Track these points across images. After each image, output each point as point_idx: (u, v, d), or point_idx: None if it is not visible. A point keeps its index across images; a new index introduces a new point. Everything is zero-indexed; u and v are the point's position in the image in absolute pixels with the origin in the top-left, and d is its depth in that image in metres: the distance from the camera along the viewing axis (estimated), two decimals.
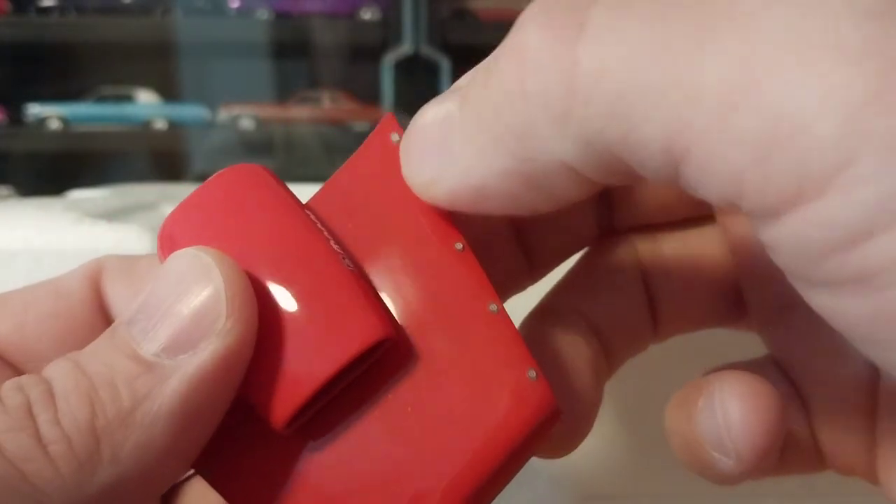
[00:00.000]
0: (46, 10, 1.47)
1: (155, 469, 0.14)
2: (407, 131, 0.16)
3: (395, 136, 0.16)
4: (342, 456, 0.15)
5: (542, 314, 0.19)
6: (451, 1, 1.46)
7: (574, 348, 0.18)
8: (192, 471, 0.16)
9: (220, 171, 0.16)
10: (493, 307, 0.15)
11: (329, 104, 1.52)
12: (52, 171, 1.52)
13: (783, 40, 0.11)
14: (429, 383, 0.15)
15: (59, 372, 0.14)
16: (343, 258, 0.15)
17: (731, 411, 0.16)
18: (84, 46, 1.53)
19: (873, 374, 0.18)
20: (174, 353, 0.14)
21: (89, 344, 0.14)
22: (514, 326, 0.15)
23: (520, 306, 0.19)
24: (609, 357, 0.19)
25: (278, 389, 0.14)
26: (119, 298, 0.18)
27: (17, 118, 1.49)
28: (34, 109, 1.48)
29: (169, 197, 0.47)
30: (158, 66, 1.54)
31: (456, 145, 0.14)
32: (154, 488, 0.14)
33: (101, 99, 1.52)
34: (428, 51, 1.42)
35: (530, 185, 0.14)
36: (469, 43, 1.44)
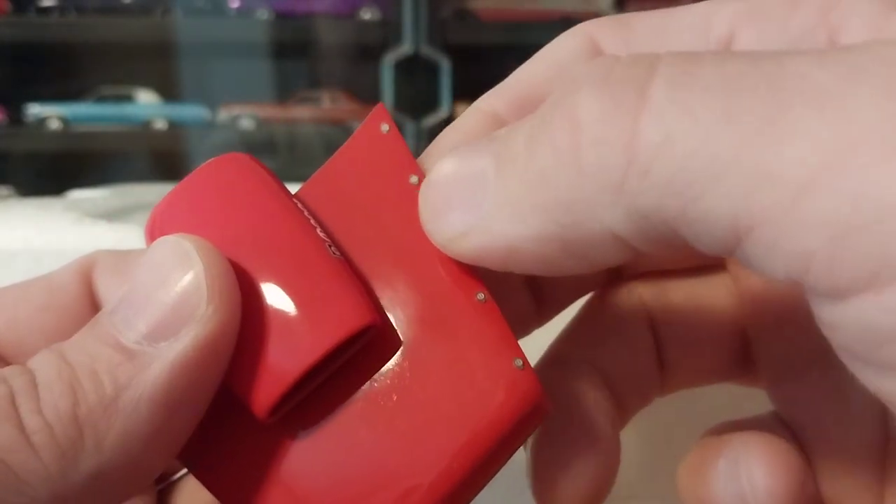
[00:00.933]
0: (46, 10, 1.47)
1: (139, 457, 0.13)
2: (428, 181, 0.15)
3: (384, 126, 0.16)
4: (328, 447, 0.15)
5: (554, 365, 0.19)
6: (451, 1, 1.46)
7: (591, 400, 0.18)
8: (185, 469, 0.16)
9: (207, 161, 0.16)
10: (481, 296, 0.15)
11: (329, 104, 1.52)
12: (52, 171, 1.52)
13: (868, 121, 0.10)
14: (414, 373, 0.15)
15: (42, 362, 0.14)
16: (329, 246, 0.15)
17: (755, 475, 0.16)
18: (84, 46, 1.53)
19: (884, 436, 0.17)
20: (155, 340, 0.14)
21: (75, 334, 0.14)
22: (501, 316, 0.15)
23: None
24: (620, 409, 0.19)
25: (261, 378, 0.14)
26: (108, 292, 0.18)
27: (17, 118, 1.49)
28: (34, 109, 1.48)
29: None
30: (158, 66, 1.54)
31: (488, 205, 0.14)
32: (139, 477, 0.14)
33: (101, 99, 1.52)
34: (428, 51, 1.42)
35: (568, 251, 0.14)
36: (469, 43, 1.44)
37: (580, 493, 0.17)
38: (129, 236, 0.30)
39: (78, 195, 0.49)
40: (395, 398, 0.15)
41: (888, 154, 0.10)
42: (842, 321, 0.11)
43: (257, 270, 0.15)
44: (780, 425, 0.19)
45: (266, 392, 0.14)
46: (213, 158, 0.16)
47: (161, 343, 0.14)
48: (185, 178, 0.16)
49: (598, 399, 0.18)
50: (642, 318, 0.20)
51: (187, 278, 0.14)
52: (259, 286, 0.15)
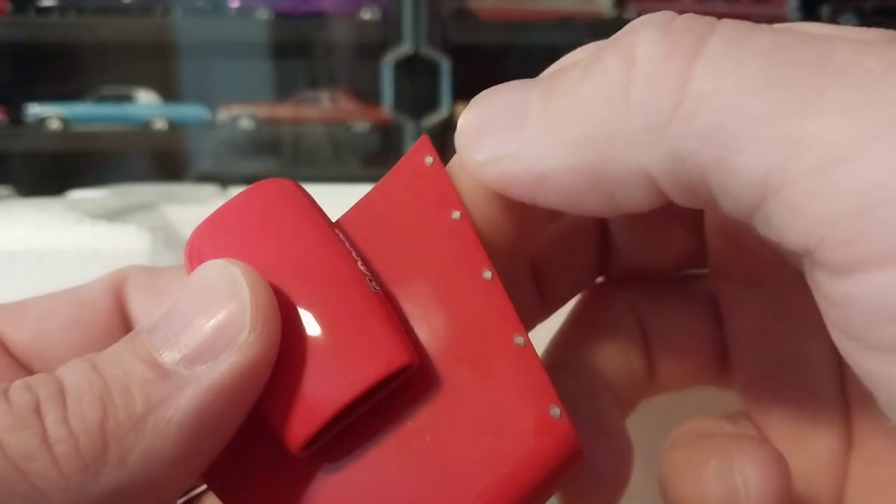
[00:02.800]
0: (46, 10, 1.47)
1: (162, 478, 0.13)
2: (469, 108, 0.15)
3: (428, 159, 0.16)
4: (357, 482, 0.15)
5: (559, 368, 0.19)
6: (451, 1, 1.46)
7: (601, 401, 0.18)
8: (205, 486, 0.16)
9: (251, 185, 0.16)
10: (520, 340, 0.15)
11: (329, 104, 1.52)
12: (52, 171, 1.52)
13: None
14: (449, 414, 0.15)
15: (72, 371, 0.14)
16: (370, 280, 0.15)
17: (749, 476, 0.16)
18: (84, 46, 1.53)
19: (847, 442, 0.18)
20: (193, 363, 0.14)
21: (110, 346, 0.14)
22: (538, 360, 0.15)
23: None
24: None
25: (296, 411, 0.14)
26: (141, 308, 0.17)
27: (17, 118, 1.49)
28: (34, 109, 1.48)
29: (169, 197, 0.47)
30: (158, 66, 1.54)
31: (528, 132, 0.14)
32: (159, 498, 0.14)
33: (101, 99, 1.52)
34: (428, 51, 1.42)
35: (598, 185, 0.14)
36: (469, 43, 1.44)
37: (603, 491, 0.17)
38: (129, 236, 0.30)
39: (78, 195, 0.49)
40: (428, 438, 0.15)
41: None
42: (848, 297, 0.12)
43: (296, 301, 0.15)
44: (751, 426, 0.19)
45: (300, 427, 0.14)
46: (256, 182, 0.16)
47: (198, 366, 0.14)
48: (228, 202, 0.16)
49: (608, 398, 0.18)
50: (632, 321, 0.20)
51: (233, 305, 0.14)
52: (298, 318, 0.15)
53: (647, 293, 0.20)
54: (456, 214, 0.16)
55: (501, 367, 0.15)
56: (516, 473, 0.14)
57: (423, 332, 0.15)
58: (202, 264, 0.15)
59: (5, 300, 0.17)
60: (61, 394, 0.13)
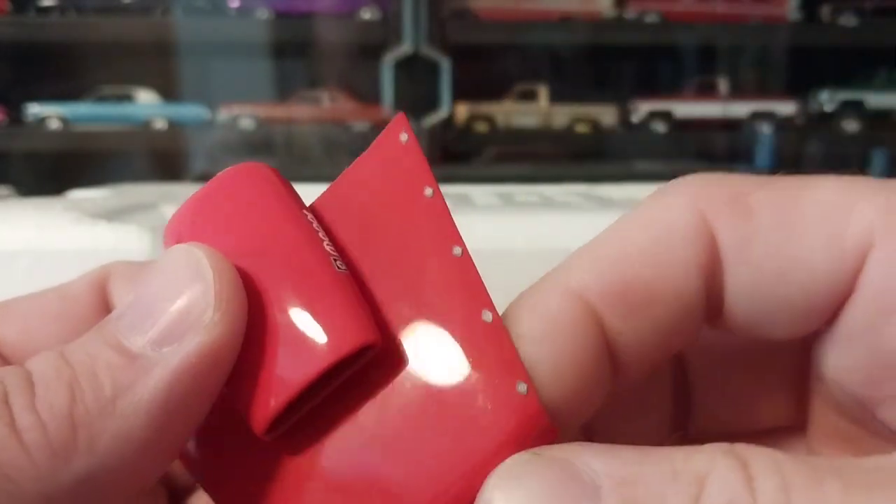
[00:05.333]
0: (46, 10, 1.46)
1: (133, 462, 0.13)
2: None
3: (403, 137, 0.16)
4: (328, 464, 0.15)
5: None
6: (451, 1, 1.46)
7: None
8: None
9: (225, 170, 0.16)
10: (488, 316, 0.14)
11: (329, 104, 1.52)
12: (52, 171, 1.52)
13: None
14: (416, 394, 0.15)
15: (40, 361, 0.14)
16: (335, 260, 0.15)
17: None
18: (84, 46, 1.52)
19: None
20: (160, 345, 0.14)
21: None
22: (507, 337, 0.14)
23: None
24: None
25: (258, 394, 0.14)
26: (121, 300, 0.18)
27: (17, 118, 1.49)
28: (34, 109, 1.48)
29: (169, 197, 0.47)
30: (158, 66, 1.54)
31: None
32: (132, 482, 0.14)
33: (101, 99, 1.52)
34: (428, 51, 1.42)
35: None
36: (469, 43, 1.44)
37: None
38: (129, 236, 0.30)
39: (78, 195, 0.49)
40: (397, 418, 0.14)
41: None
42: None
43: (261, 283, 0.15)
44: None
45: (262, 410, 0.14)
46: (230, 167, 0.16)
47: (165, 348, 0.14)
48: (204, 186, 0.16)
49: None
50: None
51: (197, 286, 0.14)
52: (262, 300, 0.15)
53: None
54: (428, 191, 0.16)
55: (469, 346, 0.14)
56: (483, 454, 0.14)
57: (392, 311, 0.15)
58: (166, 250, 0.15)
59: (5, 300, 0.18)
60: (29, 382, 0.13)
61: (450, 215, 0.16)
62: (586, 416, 0.15)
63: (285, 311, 0.14)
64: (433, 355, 0.15)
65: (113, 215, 0.34)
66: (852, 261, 0.14)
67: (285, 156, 1.50)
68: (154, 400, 0.13)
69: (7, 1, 1.45)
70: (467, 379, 0.14)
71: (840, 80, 1.51)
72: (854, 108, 1.50)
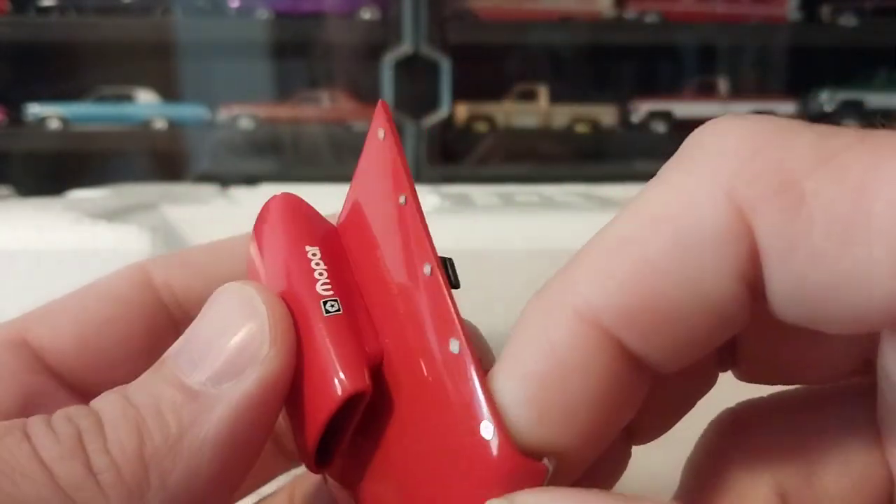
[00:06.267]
0: (46, 10, 1.46)
1: (202, 496, 0.14)
2: None
3: (380, 132, 0.15)
4: (367, 492, 0.15)
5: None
6: (451, 1, 1.46)
7: None
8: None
9: (268, 201, 0.16)
10: (455, 346, 0.13)
11: (329, 104, 1.52)
12: (52, 171, 1.52)
13: None
14: (404, 434, 0.14)
15: (107, 402, 0.14)
16: (324, 302, 0.15)
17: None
18: (84, 46, 1.52)
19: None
20: (220, 381, 0.14)
21: (139, 377, 0.15)
22: (471, 370, 0.13)
23: None
24: None
25: (299, 433, 0.15)
26: (189, 291, 0.18)
27: (17, 118, 1.49)
28: (34, 109, 1.48)
29: (169, 197, 0.47)
30: (158, 66, 1.54)
31: None
32: None
33: (101, 99, 1.52)
34: (428, 51, 1.42)
35: None
36: (469, 43, 1.44)
37: None
38: (129, 236, 0.30)
39: (78, 195, 0.49)
40: (399, 456, 0.14)
41: None
42: None
43: None
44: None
45: (304, 448, 0.15)
46: (270, 198, 0.16)
47: (224, 384, 0.14)
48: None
49: None
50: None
51: (252, 323, 0.14)
52: None
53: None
54: (402, 199, 0.14)
55: (437, 383, 0.13)
56: (461, 497, 0.13)
57: (385, 340, 0.15)
58: (218, 289, 0.15)
59: (5, 300, 0.17)
60: (100, 424, 0.14)
61: (422, 226, 0.14)
62: (614, 434, 0.14)
63: (299, 359, 0.15)
64: (411, 393, 0.14)
65: (113, 215, 0.34)
66: None
67: (285, 156, 1.50)
68: (218, 435, 0.14)
69: (7, 1, 1.45)
70: (441, 420, 0.13)
71: (840, 80, 1.51)
72: (854, 108, 1.50)
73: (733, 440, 0.16)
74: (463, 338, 0.13)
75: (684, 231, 0.12)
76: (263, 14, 1.47)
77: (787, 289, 0.12)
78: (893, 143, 0.11)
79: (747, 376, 0.16)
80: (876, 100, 1.51)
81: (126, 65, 1.54)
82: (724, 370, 0.16)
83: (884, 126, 0.12)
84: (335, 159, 1.46)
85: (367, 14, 1.47)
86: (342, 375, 0.14)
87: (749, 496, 0.15)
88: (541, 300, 0.13)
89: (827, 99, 1.51)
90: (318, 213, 0.17)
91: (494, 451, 0.12)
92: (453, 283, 0.14)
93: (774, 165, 0.12)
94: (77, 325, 0.17)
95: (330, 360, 0.14)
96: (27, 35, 1.49)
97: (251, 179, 0.64)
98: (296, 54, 1.56)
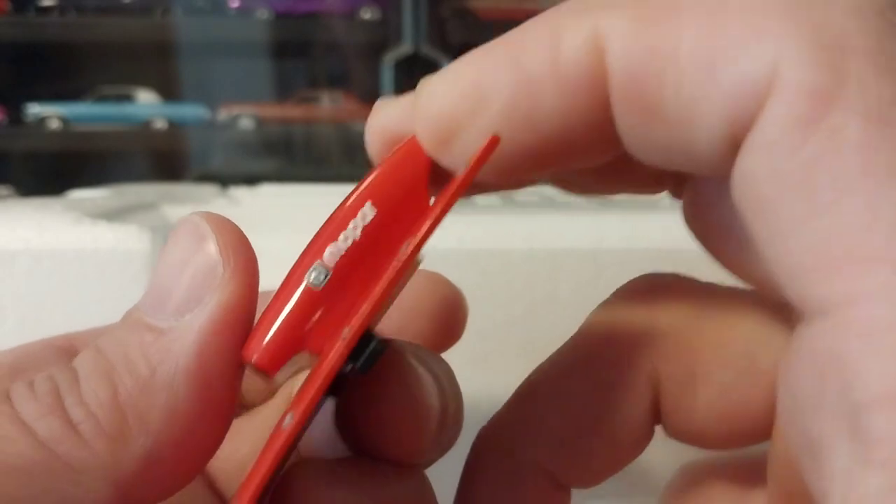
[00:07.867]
0: (46, 10, 1.47)
1: (186, 434, 0.14)
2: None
3: (460, 169, 0.14)
4: None
5: None
6: (451, 1, 1.46)
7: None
8: None
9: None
10: (287, 419, 0.13)
11: (329, 104, 1.52)
12: (52, 171, 1.52)
13: None
14: None
15: (81, 358, 0.14)
16: (314, 269, 0.14)
17: None
18: (84, 46, 1.53)
19: None
20: (181, 314, 0.14)
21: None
22: (274, 453, 0.13)
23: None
24: None
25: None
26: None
27: (17, 118, 1.49)
28: (34, 109, 1.48)
29: (169, 197, 0.47)
30: (158, 66, 1.54)
31: None
32: (191, 458, 0.14)
33: (101, 99, 1.52)
34: (428, 51, 1.42)
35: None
36: (469, 42, 1.44)
37: None
38: (129, 236, 0.30)
39: (78, 195, 0.49)
40: None
41: None
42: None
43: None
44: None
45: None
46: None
47: (187, 316, 0.14)
48: None
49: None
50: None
51: (202, 249, 0.14)
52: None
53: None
54: (405, 245, 0.14)
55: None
56: None
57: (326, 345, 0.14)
58: (172, 230, 0.15)
59: (5, 300, 0.17)
60: (76, 379, 0.14)
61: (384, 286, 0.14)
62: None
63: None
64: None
65: (113, 215, 0.34)
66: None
67: (285, 156, 1.50)
68: (189, 366, 0.14)
69: (7, 1, 1.45)
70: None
71: None
72: None
73: None
74: (301, 413, 0.13)
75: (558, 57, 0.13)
76: (263, 14, 1.47)
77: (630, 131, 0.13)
78: None
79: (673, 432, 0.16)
80: None
81: (126, 65, 1.54)
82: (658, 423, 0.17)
83: None
84: (335, 159, 1.46)
85: (367, 14, 1.47)
86: (254, 344, 0.14)
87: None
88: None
89: None
90: (426, 178, 0.15)
91: None
92: (360, 367, 0.14)
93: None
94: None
95: (265, 323, 0.14)
96: (27, 35, 1.49)
97: (251, 179, 0.64)
98: (296, 54, 1.57)
